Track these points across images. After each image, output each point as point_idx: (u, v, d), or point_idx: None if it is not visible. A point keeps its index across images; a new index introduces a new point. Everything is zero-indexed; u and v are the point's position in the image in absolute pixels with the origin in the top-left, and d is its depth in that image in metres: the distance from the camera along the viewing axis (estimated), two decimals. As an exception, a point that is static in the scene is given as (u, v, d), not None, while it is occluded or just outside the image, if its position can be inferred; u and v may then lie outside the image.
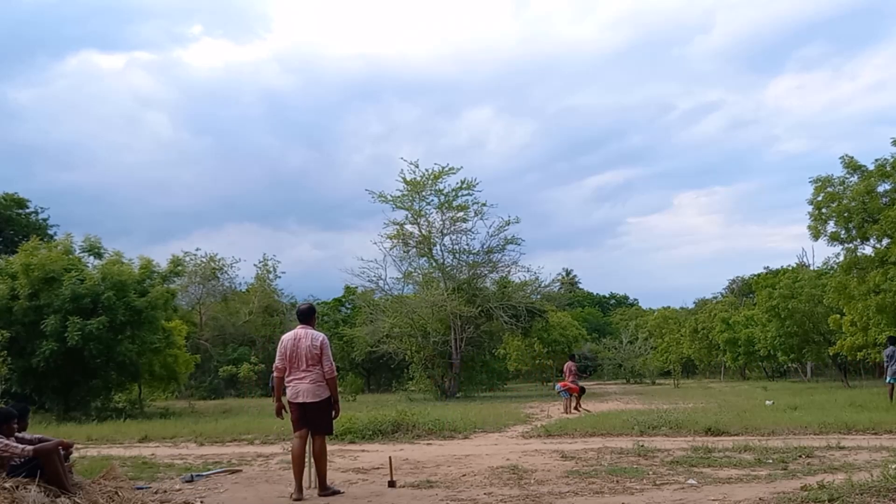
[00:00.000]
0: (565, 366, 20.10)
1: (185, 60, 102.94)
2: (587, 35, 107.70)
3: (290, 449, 7.11)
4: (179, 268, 23.56)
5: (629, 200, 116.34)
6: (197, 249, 37.64)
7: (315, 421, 6.52)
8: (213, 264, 38.88)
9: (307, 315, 6.81)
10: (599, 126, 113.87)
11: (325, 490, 6.52)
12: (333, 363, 6.66)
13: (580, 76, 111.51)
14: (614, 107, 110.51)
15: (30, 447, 5.77)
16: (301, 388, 6.48)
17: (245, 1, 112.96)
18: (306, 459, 6.67)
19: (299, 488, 6.43)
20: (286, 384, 6.59)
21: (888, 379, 16.02)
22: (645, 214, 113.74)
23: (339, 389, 6.87)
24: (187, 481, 7.54)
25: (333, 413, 6.66)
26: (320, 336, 6.64)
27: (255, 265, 42.06)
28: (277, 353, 6.67)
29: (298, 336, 6.61)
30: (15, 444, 5.78)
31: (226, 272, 39.74)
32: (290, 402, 6.56)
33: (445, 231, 29.26)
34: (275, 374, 6.72)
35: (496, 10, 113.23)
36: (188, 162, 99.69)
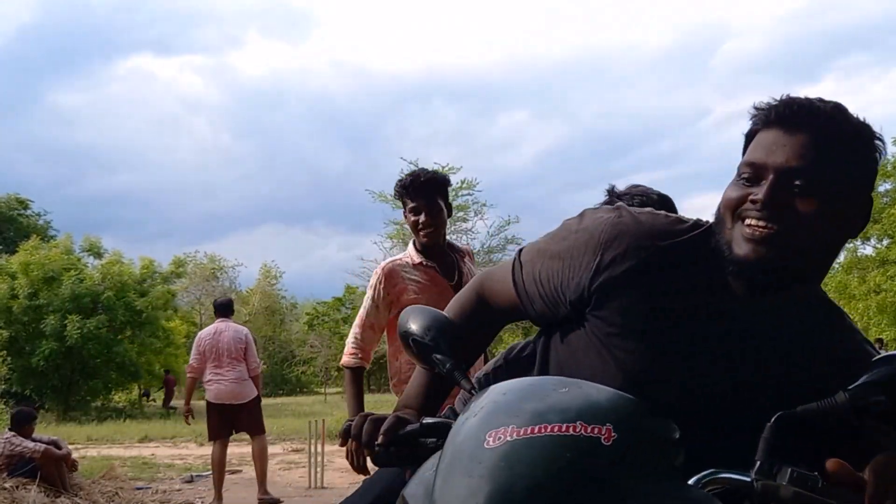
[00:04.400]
0: None
1: (236, 64, 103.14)
2: (637, 39, 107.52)
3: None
4: (181, 269, 23.54)
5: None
6: (196, 251, 37.47)
7: (246, 422, 6.08)
8: (213, 265, 38.90)
9: (227, 308, 6.26)
10: (634, 130, 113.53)
11: (265, 494, 6.09)
12: (258, 360, 6.18)
13: (623, 80, 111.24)
14: (652, 111, 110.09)
15: (42, 445, 5.81)
16: (224, 388, 5.92)
17: (304, 5, 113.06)
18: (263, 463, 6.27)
19: (219, 496, 6.00)
20: (205, 384, 6.04)
21: None
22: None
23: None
24: (187, 481, 7.54)
25: None
26: (244, 330, 6.19)
27: (256, 272, 42.02)
28: (193, 352, 6.08)
29: (219, 330, 6.01)
30: (29, 443, 5.82)
31: (226, 273, 39.76)
32: (209, 404, 6.01)
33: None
34: (189, 374, 6.20)
35: (552, 15, 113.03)
36: (231, 164, 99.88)
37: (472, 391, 1.06)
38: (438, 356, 1.14)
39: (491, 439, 0.80)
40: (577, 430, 0.79)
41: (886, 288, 18.48)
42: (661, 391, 1.03)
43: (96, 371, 19.75)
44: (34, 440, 5.93)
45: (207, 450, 10.88)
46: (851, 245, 20.52)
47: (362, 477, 2.01)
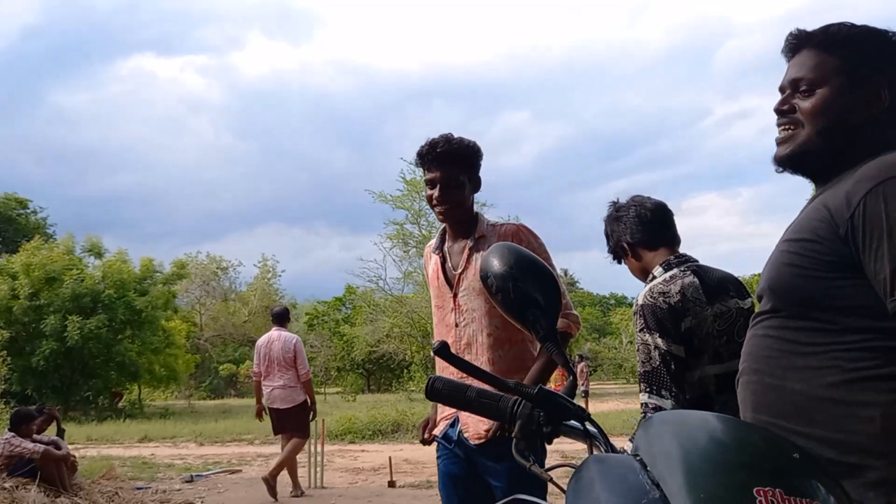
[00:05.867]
0: (578, 367, 20.03)
1: (238, 64, 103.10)
2: (638, 39, 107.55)
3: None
4: (183, 270, 23.55)
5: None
6: (198, 253, 37.47)
7: (290, 425, 6.47)
8: (213, 265, 38.89)
9: (282, 317, 6.79)
10: (635, 130, 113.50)
11: (272, 478, 6.24)
12: (308, 365, 6.62)
13: (624, 80, 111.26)
14: (653, 111, 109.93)
15: (41, 446, 5.80)
16: (274, 394, 6.43)
17: (305, 6, 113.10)
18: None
19: (296, 485, 6.52)
20: (263, 387, 6.55)
21: None
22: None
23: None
24: (187, 481, 7.54)
25: (312, 415, 6.62)
26: (294, 338, 6.61)
27: (254, 265, 41.97)
28: (255, 358, 6.64)
29: (272, 339, 6.57)
30: (28, 443, 5.82)
31: (227, 273, 39.75)
32: (269, 407, 6.55)
33: (446, 231, 29.24)
34: (254, 378, 6.70)
35: (553, 15, 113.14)
36: (232, 164, 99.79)
37: (568, 367, 1.01)
38: (535, 312, 1.01)
39: (762, 500, 0.77)
40: None
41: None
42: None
43: (96, 371, 19.75)
44: (34, 441, 5.94)
45: (207, 450, 10.92)
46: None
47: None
